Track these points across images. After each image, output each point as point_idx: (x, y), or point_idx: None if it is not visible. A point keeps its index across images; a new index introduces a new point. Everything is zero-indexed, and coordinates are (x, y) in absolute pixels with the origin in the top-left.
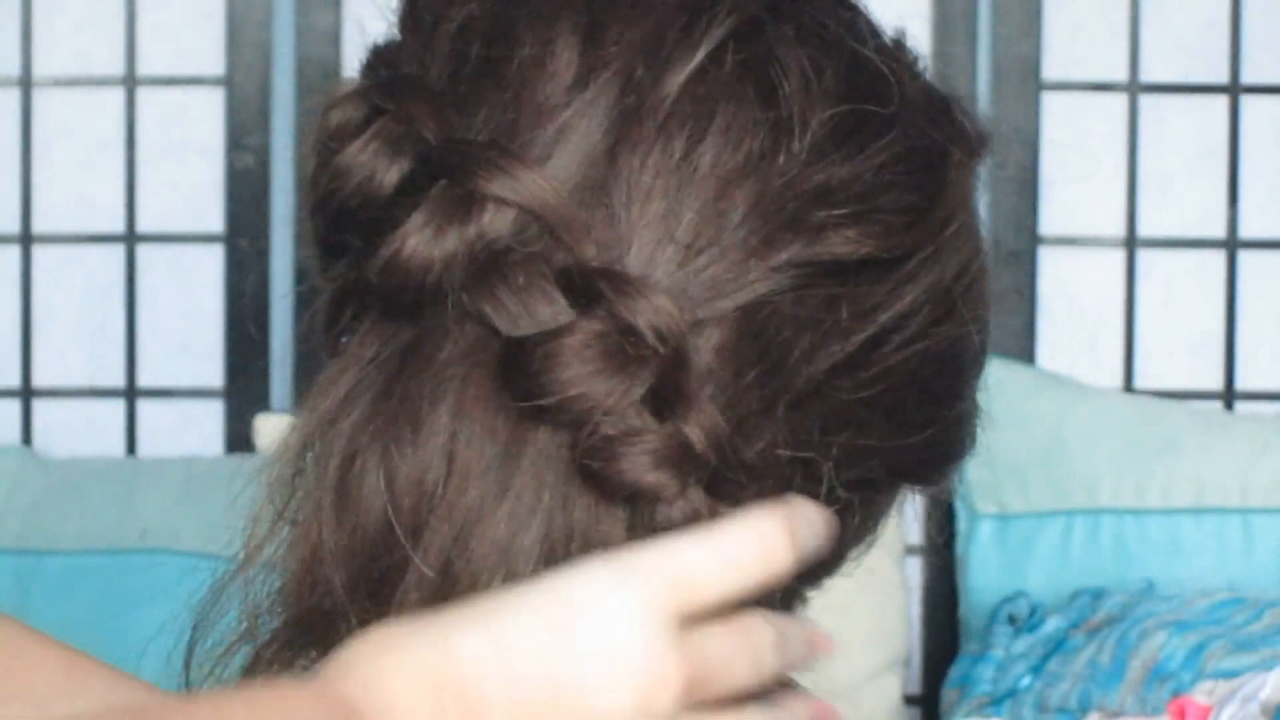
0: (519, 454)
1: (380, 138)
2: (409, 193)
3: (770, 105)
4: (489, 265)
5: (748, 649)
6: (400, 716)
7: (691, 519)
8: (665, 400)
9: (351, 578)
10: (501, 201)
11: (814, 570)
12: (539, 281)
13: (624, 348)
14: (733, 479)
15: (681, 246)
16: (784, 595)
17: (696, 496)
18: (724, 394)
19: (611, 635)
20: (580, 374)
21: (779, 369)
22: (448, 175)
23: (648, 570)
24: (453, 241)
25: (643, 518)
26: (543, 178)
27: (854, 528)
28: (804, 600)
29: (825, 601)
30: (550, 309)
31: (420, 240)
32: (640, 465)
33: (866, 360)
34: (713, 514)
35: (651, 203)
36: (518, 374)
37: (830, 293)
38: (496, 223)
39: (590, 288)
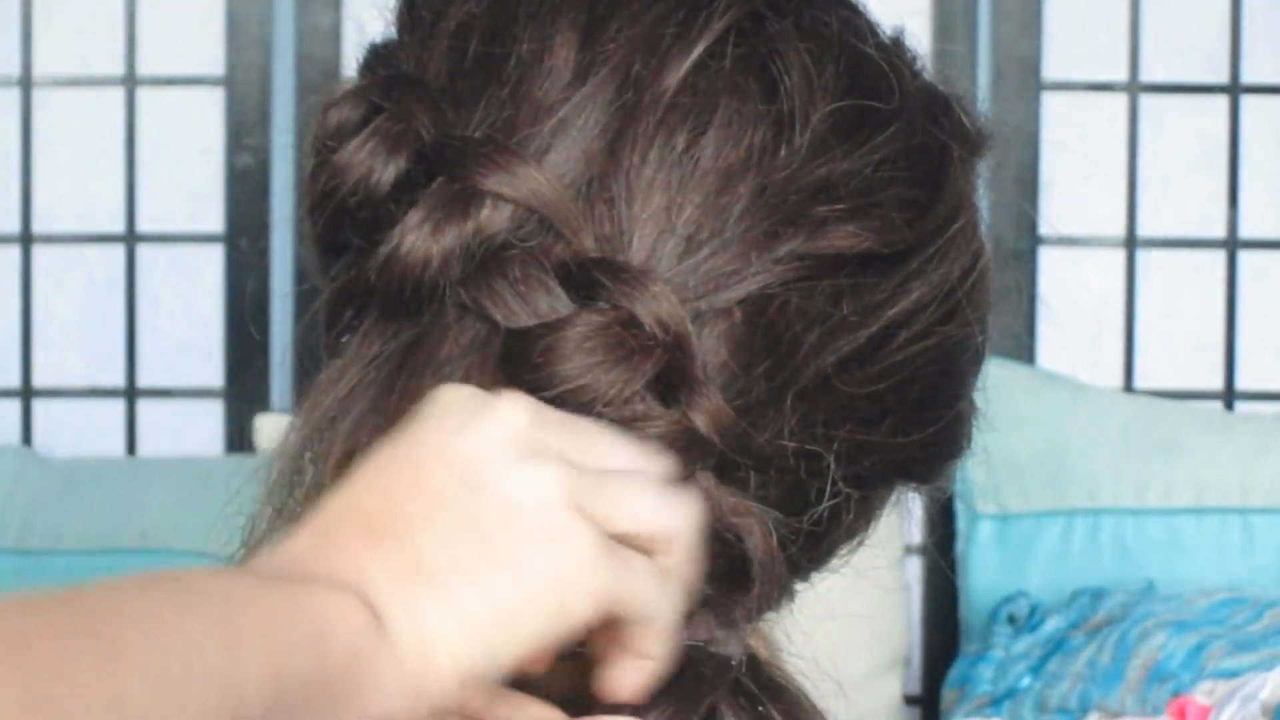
0: None
1: (378, 135)
2: (407, 190)
3: (772, 99)
4: (487, 260)
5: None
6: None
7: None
8: (670, 387)
9: None
10: (499, 197)
11: (802, 563)
12: (537, 273)
13: (625, 339)
14: (741, 466)
15: (683, 239)
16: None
17: (705, 480)
18: (734, 384)
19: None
20: (582, 366)
21: (788, 361)
22: (445, 172)
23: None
24: (451, 237)
25: None
26: (540, 172)
27: (847, 524)
28: (791, 595)
29: (826, 603)
30: (549, 301)
31: (418, 237)
32: (646, 450)
33: (873, 356)
34: (721, 498)
35: (653, 196)
36: (519, 367)
37: (836, 286)
38: (495, 218)
39: (589, 278)
